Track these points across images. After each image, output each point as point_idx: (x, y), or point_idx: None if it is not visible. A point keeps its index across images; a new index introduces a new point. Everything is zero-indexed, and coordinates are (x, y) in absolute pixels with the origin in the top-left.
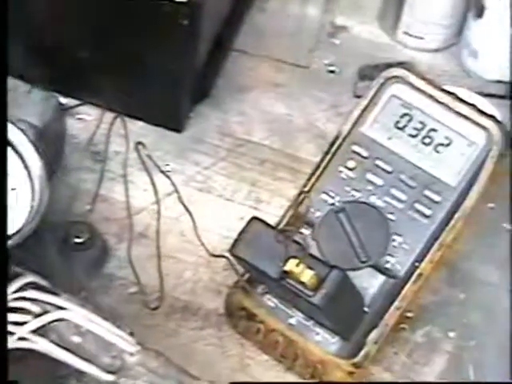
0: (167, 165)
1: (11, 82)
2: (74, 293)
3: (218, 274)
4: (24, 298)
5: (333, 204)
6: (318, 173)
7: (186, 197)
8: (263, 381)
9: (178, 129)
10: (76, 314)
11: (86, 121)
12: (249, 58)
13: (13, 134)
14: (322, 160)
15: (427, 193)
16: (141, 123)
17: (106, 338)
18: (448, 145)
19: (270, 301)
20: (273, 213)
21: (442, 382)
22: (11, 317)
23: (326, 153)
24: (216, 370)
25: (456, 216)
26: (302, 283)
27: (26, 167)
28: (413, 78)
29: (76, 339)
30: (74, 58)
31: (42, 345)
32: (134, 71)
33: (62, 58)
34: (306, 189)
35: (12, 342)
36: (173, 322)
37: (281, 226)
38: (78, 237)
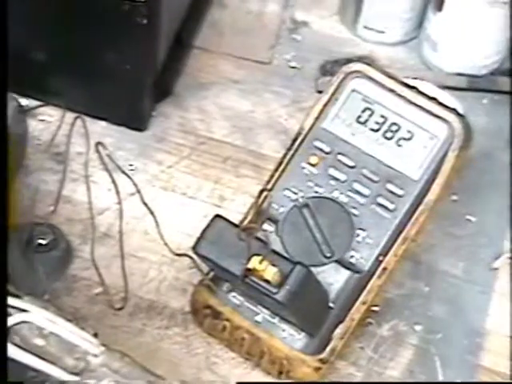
0: (130, 164)
1: None
2: (37, 295)
3: (182, 272)
4: None
5: (296, 200)
6: (280, 169)
7: (149, 196)
8: (229, 379)
9: (140, 128)
10: (39, 316)
11: (47, 122)
12: (209, 55)
13: None
14: (284, 156)
15: (390, 187)
16: (103, 123)
17: (69, 340)
18: (410, 138)
19: (236, 298)
20: (236, 210)
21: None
22: None
23: (289, 149)
24: (182, 369)
25: (419, 209)
26: (266, 280)
27: None
28: (373, 72)
29: (39, 342)
30: (33, 59)
31: None
32: (94, 71)
33: (21, 59)
34: (269, 186)
35: None
36: (138, 322)
37: (244, 223)
38: (41, 238)
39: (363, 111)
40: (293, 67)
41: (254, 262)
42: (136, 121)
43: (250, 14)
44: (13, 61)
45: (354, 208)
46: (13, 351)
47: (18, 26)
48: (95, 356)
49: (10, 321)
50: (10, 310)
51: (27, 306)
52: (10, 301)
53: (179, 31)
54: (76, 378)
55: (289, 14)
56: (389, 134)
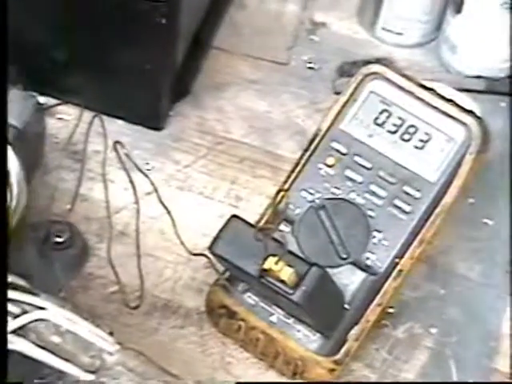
0: (147, 163)
1: None
2: (53, 292)
3: (198, 272)
4: None
5: (312, 201)
6: (297, 170)
7: (166, 195)
8: (244, 379)
9: (157, 127)
10: (55, 313)
11: (65, 120)
12: (227, 56)
13: None
14: (301, 157)
15: (407, 189)
16: (120, 122)
17: (85, 338)
18: (427, 141)
19: (251, 299)
20: (253, 210)
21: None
22: None
23: (306, 150)
24: (197, 369)
25: (436, 212)
26: (282, 281)
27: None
28: (391, 74)
29: (55, 339)
30: (51, 58)
31: (21, 345)
32: (113, 70)
33: (39, 57)
34: (286, 186)
35: None
36: (153, 321)
37: (261, 223)
38: (58, 236)
39: (381, 113)
40: (310, 68)
41: (270, 263)
42: (153, 120)
43: (268, 14)
44: (32, 59)
45: (371, 210)
46: (29, 348)
47: (37, 25)
48: (111, 354)
49: (27, 318)
50: (26, 307)
51: (44, 304)
52: (27, 298)
53: (198, 31)
54: (91, 376)
55: (307, 15)
56: (406, 136)
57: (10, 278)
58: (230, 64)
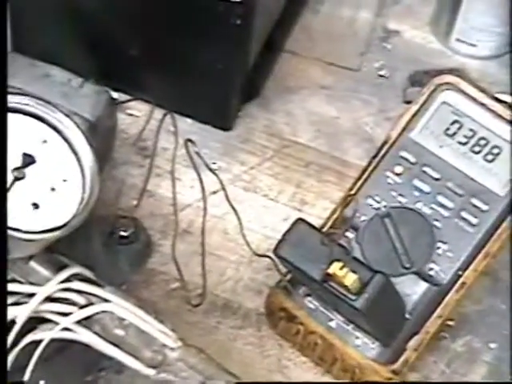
0: (214, 163)
1: (64, 76)
2: (115, 285)
3: (259, 273)
4: (70, 289)
5: (378, 209)
6: (364, 177)
7: (231, 195)
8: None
9: (226, 127)
10: (120, 307)
11: (136, 116)
12: (299, 60)
13: (66, 126)
14: (369, 164)
15: (474, 201)
16: (189, 120)
17: (148, 333)
18: (498, 153)
19: (311, 303)
20: (317, 215)
21: (484, 382)
22: (56, 307)
23: (374, 157)
24: (254, 370)
25: (503, 226)
26: (345, 286)
27: (78, 159)
28: (464, 85)
29: (119, 332)
30: (126, 54)
31: (85, 336)
32: (186, 69)
33: (115, 53)
34: (353, 192)
35: (56, 332)
36: (212, 320)
37: (325, 228)
38: (123, 230)
39: (452, 124)
40: (381, 76)
41: (335, 268)
42: (222, 120)
43: (341, 20)
44: (108, 55)
45: (437, 220)
46: (92, 339)
47: (114, 22)
48: (172, 350)
49: (92, 309)
50: (92, 299)
51: (109, 296)
52: (93, 290)
53: (271, 34)
54: (152, 371)
55: (381, 22)
56: (476, 148)
57: (78, 269)
58: (301, 68)
